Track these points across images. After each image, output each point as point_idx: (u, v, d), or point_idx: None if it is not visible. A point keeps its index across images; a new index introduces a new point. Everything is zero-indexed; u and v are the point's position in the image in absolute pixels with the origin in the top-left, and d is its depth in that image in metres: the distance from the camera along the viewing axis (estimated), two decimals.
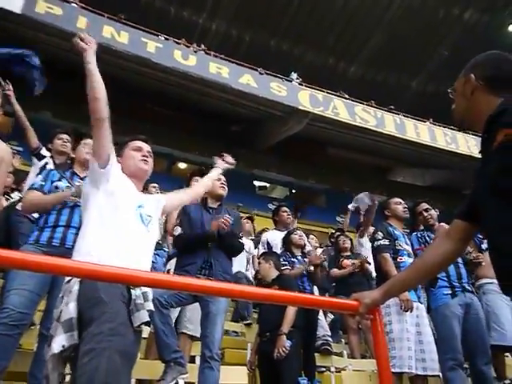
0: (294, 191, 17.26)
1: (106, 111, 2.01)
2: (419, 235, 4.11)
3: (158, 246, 4.78)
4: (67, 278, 1.98)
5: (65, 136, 4.10)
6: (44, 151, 4.35)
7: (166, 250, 4.75)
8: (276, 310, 3.76)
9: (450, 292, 3.75)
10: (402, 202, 4.16)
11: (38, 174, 3.23)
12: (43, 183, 3.04)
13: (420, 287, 3.93)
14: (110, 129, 2.06)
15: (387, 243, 3.91)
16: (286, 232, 4.98)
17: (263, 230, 6.82)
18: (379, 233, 3.99)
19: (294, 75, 14.60)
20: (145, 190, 3.76)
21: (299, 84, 14.40)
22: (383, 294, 1.80)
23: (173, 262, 3.93)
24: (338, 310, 2.02)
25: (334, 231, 7.55)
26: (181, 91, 12.97)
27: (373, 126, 14.78)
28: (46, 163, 4.04)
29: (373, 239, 4.07)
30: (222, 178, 3.45)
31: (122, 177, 2.24)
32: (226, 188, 3.58)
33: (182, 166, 15.94)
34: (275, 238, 5.26)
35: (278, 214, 5.46)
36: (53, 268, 1.35)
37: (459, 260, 3.83)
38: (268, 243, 5.32)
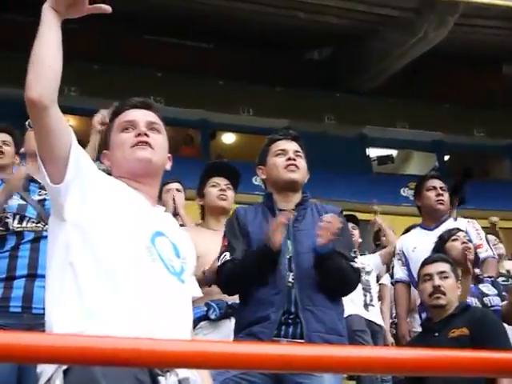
0: (447, 158, 15.90)
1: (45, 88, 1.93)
2: None
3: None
4: (41, 368, 1.87)
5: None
6: None
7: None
8: None
9: None
10: None
11: None
12: None
13: None
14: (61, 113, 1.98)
15: None
16: (436, 235, 4.52)
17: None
18: None
19: None
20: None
21: None
22: None
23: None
24: None
25: None
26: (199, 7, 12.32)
27: None
28: None
29: None
30: (290, 149, 3.18)
31: (116, 186, 2.10)
32: (301, 167, 3.21)
33: (227, 137, 15.05)
34: (416, 243, 4.71)
35: (420, 192, 4.89)
36: (15, 353, 1.20)
37: None
38: (404, 254, 4.82)
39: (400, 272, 4.77)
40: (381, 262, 6.46)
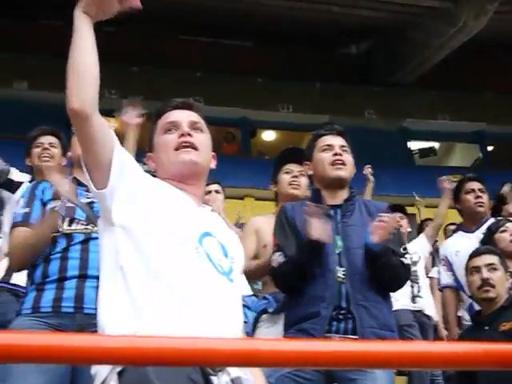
0: (490, 148, 15.13)
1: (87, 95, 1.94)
2: None
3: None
4: (95, 370, 1.86)
5: (46, 139, 4.23)
6: (17, 175, 4.45)
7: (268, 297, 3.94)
8: None
9: None
10: None
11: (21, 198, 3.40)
12: (28, 210, 3.12)
13: None
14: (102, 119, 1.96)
15: None
16: (478, 237, 4.53)
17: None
18: None
19: None
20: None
21: None
22: None
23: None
24: None
25: None
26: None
27: None
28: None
29: None
30: (337, 145, 3.14)
31: (162, 188, 2.06)
32: (348, 162, 3.15)
33: (267, 135, 14.70)
34: (459, 247, 4.64)
35: (459, 196, 4.83)
36: (70, 354, 1.20)
37: None
38: (448, 259, 4.78)
39: (446, 277, 4.71)
40: (427, 242, 6.33)
